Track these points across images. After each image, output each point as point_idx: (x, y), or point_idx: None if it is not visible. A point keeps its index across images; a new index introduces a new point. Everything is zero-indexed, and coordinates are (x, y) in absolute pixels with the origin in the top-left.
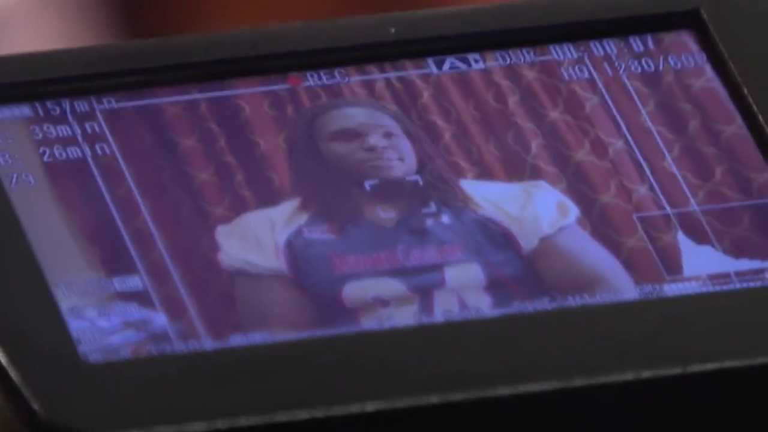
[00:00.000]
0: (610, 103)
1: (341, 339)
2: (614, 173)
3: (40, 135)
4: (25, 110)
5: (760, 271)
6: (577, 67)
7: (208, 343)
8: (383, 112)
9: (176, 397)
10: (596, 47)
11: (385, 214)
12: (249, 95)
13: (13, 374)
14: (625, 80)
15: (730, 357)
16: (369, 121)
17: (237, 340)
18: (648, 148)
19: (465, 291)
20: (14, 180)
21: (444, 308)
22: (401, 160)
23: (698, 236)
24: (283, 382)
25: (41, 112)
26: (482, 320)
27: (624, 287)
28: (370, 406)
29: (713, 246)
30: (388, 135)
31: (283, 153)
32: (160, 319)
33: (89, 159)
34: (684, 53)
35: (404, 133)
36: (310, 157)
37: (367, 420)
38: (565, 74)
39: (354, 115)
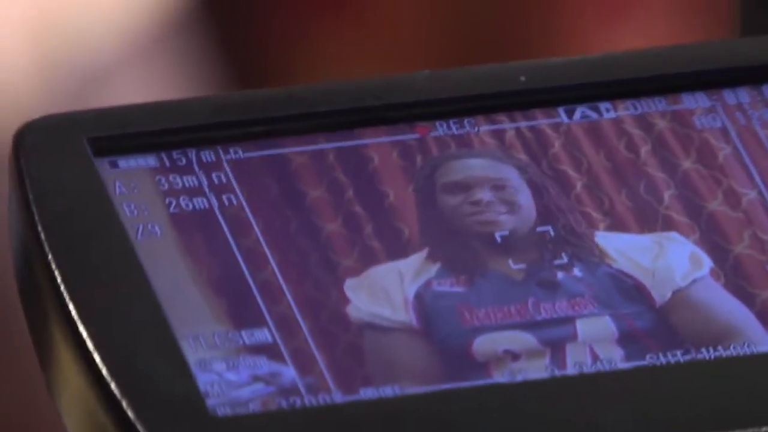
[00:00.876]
0: (743, 152)
1: (473, 392)
2: (748, 224)
3: (166, 185)
4: (150, 160)
5: None
6: (709, 116)
7: (338, 397)
8: (502, 163)
9: None
10: (729, 96)
11: (516, 266)
12: (377, 145)
13: (142, 429)
14: (759, 129)
15: None
16: (482, 173)
17: (367, 393)
18: None
19: (597, 344)
20: (140, 231)
21: (576, 361)
22: (511, 213)
23: None
24: None
25: (167, 162)
26: (615, 373)
27: (759, 339)
28: None
29: None
30: (499, 188)
31: (411, 204)
32: (289, 372)
33: (216, 209)
34: None
35: (526, 183)
36: (433, 208)
37: None
38: (698, 123)
39: (469, 167)
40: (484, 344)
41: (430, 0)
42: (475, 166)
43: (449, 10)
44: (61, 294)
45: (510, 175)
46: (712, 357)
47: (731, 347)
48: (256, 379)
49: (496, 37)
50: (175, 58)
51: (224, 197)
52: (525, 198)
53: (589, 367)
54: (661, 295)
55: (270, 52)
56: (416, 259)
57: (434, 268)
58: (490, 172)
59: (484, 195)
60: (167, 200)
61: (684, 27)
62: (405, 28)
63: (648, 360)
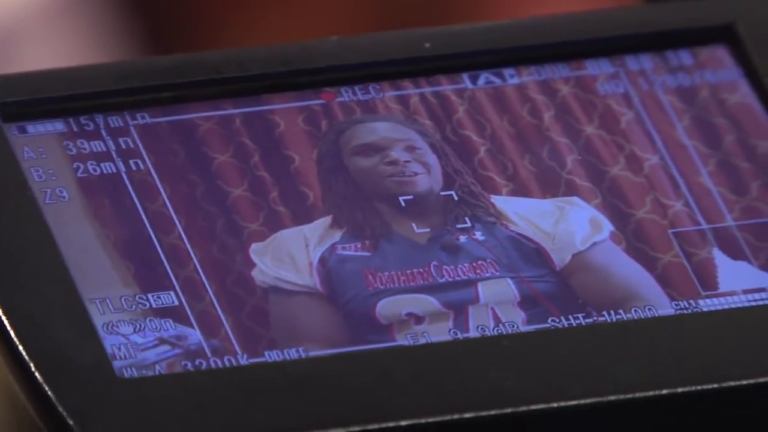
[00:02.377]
0: (645, 118)
1: (376, 355)
2: (649, 189)
3: (74, 150)
4: (58, 125)
5: None
6: (612, 82)
7: (243, 360)
8: (408, 127)
9: (210, 413)
10: (632, 62)
11: (419, 230)
12: (283, 111)
13: (49, 391)
14: (661, 95)
15: (765, 372)
16: (391, 135)
17: (272, 356)
18: (683, 163)
19: (499, 307)
20: (48, 195)
21: (479, 324)
22: (425, 174)
23: (734, 252)
24: (317, 399)
25: (75, 128)
26: (518, 336)
27: (659, 303)
28: (405, 422)
29: (749, 261)
30: (411, 149)
31: (316, 169)
32: (195, 335)
33: (123, 174)
34: (719, 68)
35: (431, 148)
36: (338, 172)
37: None
38: (601, 89)
39: (377, 130)
40: (387, 307)
41: None
42: (383, 129)
43: None
44: None
45: (416, 138)
46: (613, 320)
47: (632, 311)
48: (162, 341)
49: (423, 10)
50: (84, 24)
51: (131, 162)
52: (433, 161)
53: (491, 330)
54: (561, 258)
55: (190, 22)
56: (321, 223)
57: (339, 233)
58: (398, 134)
59: (400, 155)
60: (75, 165)
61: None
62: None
63: (550, 323)
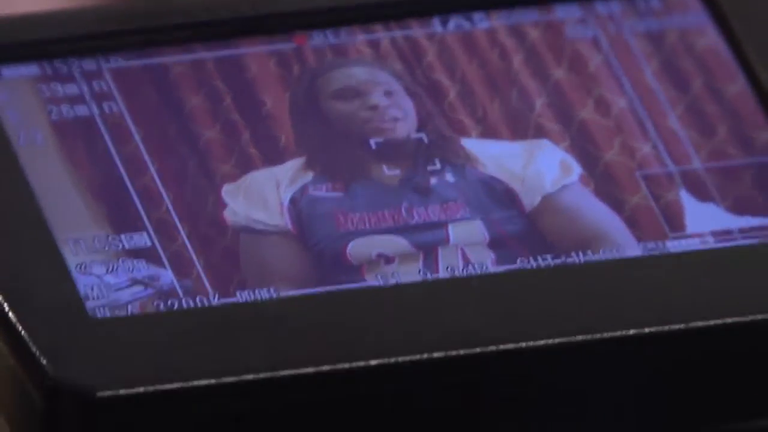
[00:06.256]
0: (613, 61)
1: (346, 295)
2: (618, 132)
3: (48, 93)
4: (32, 69)
5: (763, 228)
6: (581, 26)
7: (214, 300)
8: (384, 71)
9: (182, 353)
10: (601, 6)
11: (390, 172)
12: (255, 54)
13: (22, 331)
14: (629, 39)
15: (731, 313)
16: (370, 79)
17: (243, 296)
18: (651, 106)
19: (469, 248)
20: (22, 137)
21: (448, 264)
22: (403, 118)
23: (701, 194)
24: (288, 339)
25: (49, 71)
26: (486, 276)
27: (627, 244)
28: (375, 363)
29: (716, 203)
30: (388, 93)
31: (288, 112)
32: (167, 275)
33: (96, 117)
34: (687, 12)
35: (406, 92)
36: (313, 115)
37: (370, 375)
38: (570, 33)
39: (355, 74)
40: (357, 248)
41: None
42: (361, 73)
43: None
44: None
45: (392, 82)
46: (582, 261)
47: (600, 252)
48: (134, 282)
49: None
50: None
51: (105, 105)
52: (408, 105)
53: (460, 271)
54: (530, 200)
55: None
56: (293, 165)
57: (310, 174)
58: (377, 78)
59: (380, 100)
60: (49, 108)
61: None
62: None
63: (519, 264)
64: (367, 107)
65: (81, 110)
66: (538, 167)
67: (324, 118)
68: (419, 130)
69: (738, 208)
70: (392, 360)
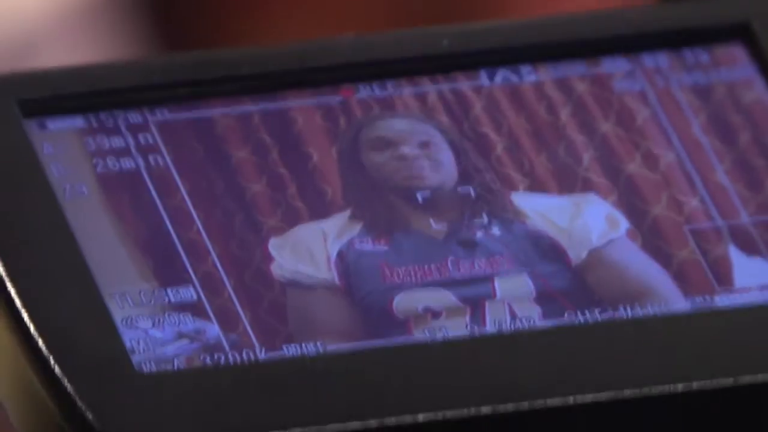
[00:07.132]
0: (661, 115)
1: (392, 350)
2: (665, 185)
3: (94, 146)
4: (78, 121)
5: None
6: (629, 80)
7: (261, 354)
8: (427, 123)
9: (229, 408)
10: (648, 59)
11: (437, 226)
12: (301, 107)
13: (68, 385)
14: (677, 92)
15: None
16: (406, 130)
17: (290, 350)
18: (699, 160)
19: (515, 302)
20: (68, 191)
21: (496, 319)
22: (435, 170)
23: (749, 248)
24: (334, 394)
25: (95, 124)
26: (533, 331)
27: (674, 299)
28: (422, 418)
29: (764, 258)
30: (424, 144)
31: (334, 165)
32: (213, 329)
33: (142, 170)
34: (735, 66)
35: (448, 144)
36: (357, 168)
37: (418, 431)
38: (617, 86)
39: (393, 126)
40: (403, 301)
41: None
42: (400, 125)
43: None
44: None
45: (433, 135)
46: (629, 316)
47: (647, 306)
48: (180, 336)
49: (440, 7)
50: (104, 28)
51: (150, 158)
52: (447, 157)
53: (508, 325)
54: (577, 254)
55: (205, 22)
56: (339, 218)
57: (357, 228)
58: (415, 130)
59: (411, 150)
60: (94, 161)
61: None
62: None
63: (566, 318)
64: (395, 157)
65: (127, 163)
66: (585, 221)
67: (365, 169)
68: (466, 183)
69: None
70: (440, 415)
